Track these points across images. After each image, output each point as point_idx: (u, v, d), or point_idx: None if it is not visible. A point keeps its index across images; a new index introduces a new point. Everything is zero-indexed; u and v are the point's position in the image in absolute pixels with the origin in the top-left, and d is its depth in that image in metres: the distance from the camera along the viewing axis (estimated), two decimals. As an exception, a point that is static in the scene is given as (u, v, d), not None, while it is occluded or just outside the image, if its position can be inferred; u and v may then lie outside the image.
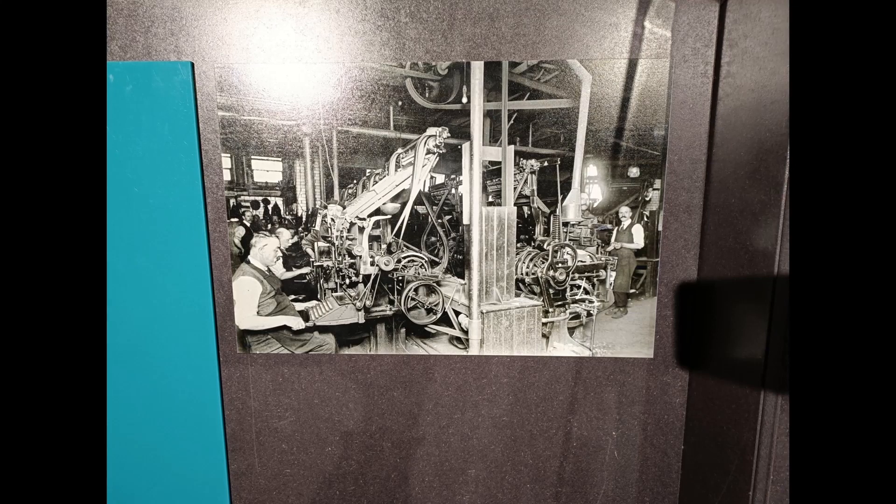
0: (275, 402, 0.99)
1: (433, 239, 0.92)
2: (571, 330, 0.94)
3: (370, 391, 0.98)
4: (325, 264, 0.93)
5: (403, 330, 0.95)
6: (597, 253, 0.91)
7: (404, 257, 0.93)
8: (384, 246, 0.93)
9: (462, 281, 0.93)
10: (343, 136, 0.88)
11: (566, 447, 1.00)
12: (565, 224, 0.90)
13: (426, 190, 0.90)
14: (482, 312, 0.94)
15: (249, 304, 0.94)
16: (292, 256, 0.93)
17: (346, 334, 0.95)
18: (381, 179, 0.90)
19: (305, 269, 0.94)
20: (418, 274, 0.93)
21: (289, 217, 0.92)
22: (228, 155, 0.89)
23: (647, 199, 0.89)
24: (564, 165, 0.88)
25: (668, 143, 0.86)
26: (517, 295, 0.93)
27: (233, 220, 0.92)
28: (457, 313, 0.94)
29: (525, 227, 0.91)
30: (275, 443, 1.01)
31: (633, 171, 0.88)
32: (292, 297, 0.94)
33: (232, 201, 0.91)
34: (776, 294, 0.67)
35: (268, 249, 0.93)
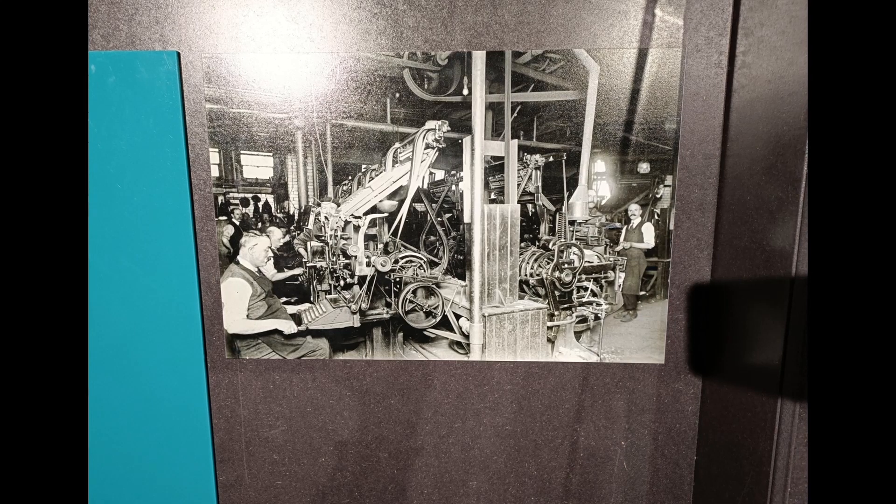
0: (265, 410, 0.99)
1: (432, 238, 0.92)
2: (578, 334, 0.94)
3: (366, 399, 0.98)
4: (318, 265, 0.93)
5: (401, 334, 0.95)
6: (605, 253, 0.91)
7: (402, 257, 0.93)
8: (381, 246, 0.93)
9: (463, 282, 0.93)
10: (337, 129, 0.88)
11: (572, 458, 1.00)
12: (572, 222, 0.90)
13: (425, 186, 0.90)
14: (484, 316, 0.94)
15: (238, 307, 0.94)
16: (284, 257, 0.93)
17: (341, 339, 0.95)
18: (377, 175, 0.90)
19: (298, 270, 0.94)
20: (417, 275, 0.93)
21: (280, 215, 0.92)
22: (216, 150, 0.89)
23: (658, 196, 0.89)
24: (571, 161, 0.88)
25: (681, 137, 0.86)
26: (521, 297, 0.93)
27: (221, 218, 0.92)
28: (457, 317, 0.94)
29: (529, 226, 0.91)
30: (265, 453, 1.01)
31: (644, 167, 0.88)
32: (284, 299, 0.94)
33: (220, 199, 0.91)
34: (794, 296, 0.67)
35: (258, 249, 0.93)
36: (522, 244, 0.91)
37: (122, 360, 0.95)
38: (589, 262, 0.92)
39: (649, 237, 0.90)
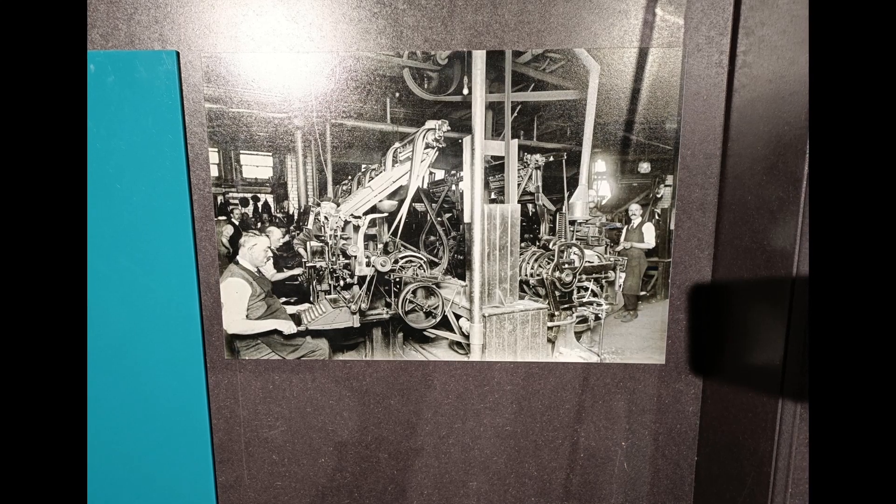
0: (265, 411, 0.99)
1: (432, 238, 0.92)
2: (578, 334, 0.94)
3: (366, 399, 0.98)
4: (318, 265, 0.93)
5: (401, 334, 0.95)
6: (605, 253, 0.91)
7: (402, 258, 0.93)
8: (380, 246, 0.93)
9: (463, 282, 0.93)
10: (337, 129, 0.88)
11: (573, 458, 1.00)
12: (572, 222, 0.90)
13: (425, 186, 0.90)
14: (484, 316, 0.94)
15: (238, 307, 0.94)
16: (283, 257, 0.93)
17: (341, 339, 0.95)
18: (377, 175, 0.90)
19: (297, 271, 0.94)
20: (416, 275, 0.93)
21: (280, 215, 0.92)
22: (216, 149, 0.89)
23: (659, 196, 0.88)
24: (571, 160, 0.88)
25: (681, 136, 0.86)
26: (521, 297, 0.93)
27: (220, 218, 0.92)
28: (457, 317, 0.94)
29: (529, 226, 0.91)
30: (265, 454, 1.01)
31: (644, 167, 0.88)
32: (283, 299, 0.94)
33: (220, 198, 0.91)
34: (795, 296, 0.67)
35: (257, 249, 0.93)
36: (523, 244, 0.91)
37: (121, 360, 0.95)
38: (589, 262, 0.92)
39: (650, 237, 0.90)
